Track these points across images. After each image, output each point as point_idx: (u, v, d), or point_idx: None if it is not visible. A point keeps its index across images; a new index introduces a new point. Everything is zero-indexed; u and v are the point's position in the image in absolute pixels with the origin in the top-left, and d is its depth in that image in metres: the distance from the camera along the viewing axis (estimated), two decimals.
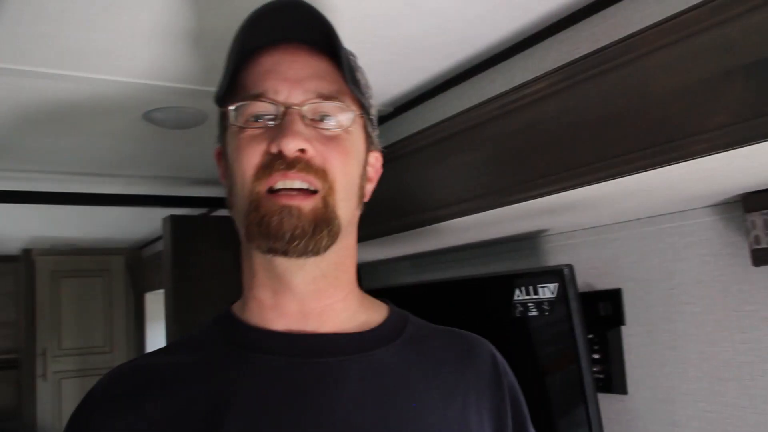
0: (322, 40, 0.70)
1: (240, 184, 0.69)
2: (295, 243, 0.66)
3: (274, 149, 0.66)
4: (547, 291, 1.39)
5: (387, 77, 1.27)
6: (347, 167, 0.70)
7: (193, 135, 1.56)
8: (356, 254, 0.78)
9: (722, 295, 1.22)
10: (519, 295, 1.45)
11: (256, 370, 0.69)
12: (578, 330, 1.34)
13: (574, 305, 1.35)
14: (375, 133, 0.77)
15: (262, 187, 0.67)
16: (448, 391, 0.74)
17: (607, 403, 1.43)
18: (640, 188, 0.99)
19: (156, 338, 3.93)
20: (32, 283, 3.76)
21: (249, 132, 0.69)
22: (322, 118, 0.69)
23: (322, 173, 0.68)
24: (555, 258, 1.56)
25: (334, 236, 0.69)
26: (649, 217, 1.35)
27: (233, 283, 2.18)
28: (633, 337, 1.40)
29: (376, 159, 0.79)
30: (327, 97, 0.69)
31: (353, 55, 0.76)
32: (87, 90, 1.26)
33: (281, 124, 0.67)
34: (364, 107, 0.73)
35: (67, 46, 1.05)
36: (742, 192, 1.09)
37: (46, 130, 1.49)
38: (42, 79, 1.18)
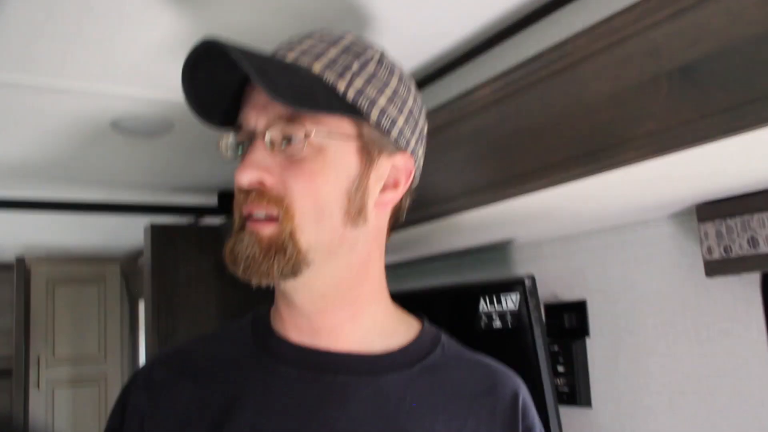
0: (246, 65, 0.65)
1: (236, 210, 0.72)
2: (247, 269, 0.68)
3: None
4: (510, 302, 1.38)
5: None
6: (313, 189, 0.68)
7: (160, 143, 1.57)
8: (373, 271, 0.77)
9: (681, 307, 1.20)
10: (484, 306, 1.44)
11: (269, 376, 0.73)
12: (539, 341, 1.33)
13: (535, 315, 1.33)
14: (393, 135, 0.72)
15: (242, 214, 0.70)
16: (455, 426, 0.74)
17: (571, 416, 1.41)
18: (587, 195, 0.98)
19: None
20: (27, 290, 3.77)
21: (239, 162, 0.70)
22: (290, 140, 0.68)
23: (278, 200, 0.68)
24: (524, 268, 1.55)
25: (294, 263, 0.68)
26: (613, 228, 1.34)
27: (214, 293, 2.19)
28: (597, 349, 1.38)
29: (402, 161, 0.74)
30: (289, 119, 0.68)
31: (363, 62, 0.72)
32: (55, 97, 1.27)
33: (248, 153, 0.68)
34: (362, 114, 0.70)
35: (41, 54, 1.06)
36: (695, 202, 1.08)
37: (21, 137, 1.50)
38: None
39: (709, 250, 1.06)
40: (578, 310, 1.42)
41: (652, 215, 1.22)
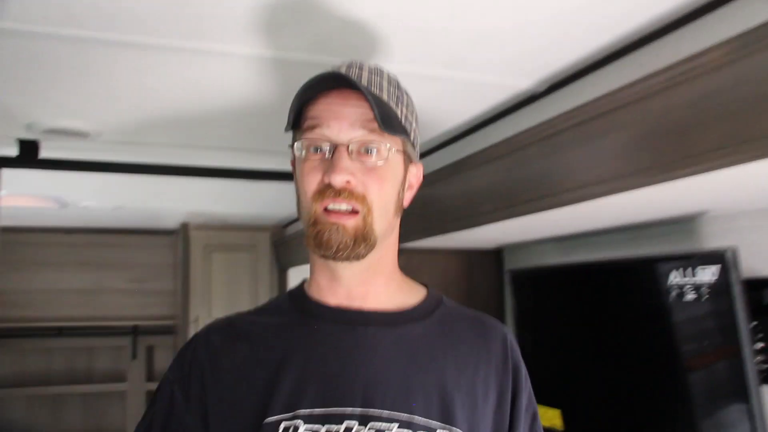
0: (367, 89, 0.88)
1: (303, 202, 0.90)
2: (340, 253, 0.88)
3: (326, 180, 0.86)
4: (708, 274, 1.34)
5: (542, 53, 1.26)
6: (383, 191, 0.90)
7: None
8: (396, 248, 1.00)
9: None
10: (675, 277, 1.40)
11: (313, 332, 0.93)
12: (740, 316, 1.28)
13: (736, 290, 1.29)
14: (416, 150, 0.98)
15: (318, 207, 0.87)
16: (462, 363, 0.94)
17: None
18: None
19: None
20: (187, 255, 4.03)
21: (308, 163, 0.89)
22: (367, 151, 0.89)
23: (362, 198, 0.88)
24: (714, 242, 1.49)
25: (371, 246, 0.89)
26: None
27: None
28: None
29: (417, 170, 0.99)
30: (369, 137, 0.88)
31: (401, 91, 0.95)
32: (250, 67, 1.34)
33: (332, 158, 0.87)
34: (407, 133, 0.93)
35: (237, 21, 1.13)
36: None
37: (214, 109, 1.60)
38: (207, 56, 1.27)
39: None
40: None
41: None
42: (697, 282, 1.36)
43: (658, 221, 1.60)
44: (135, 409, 4.54)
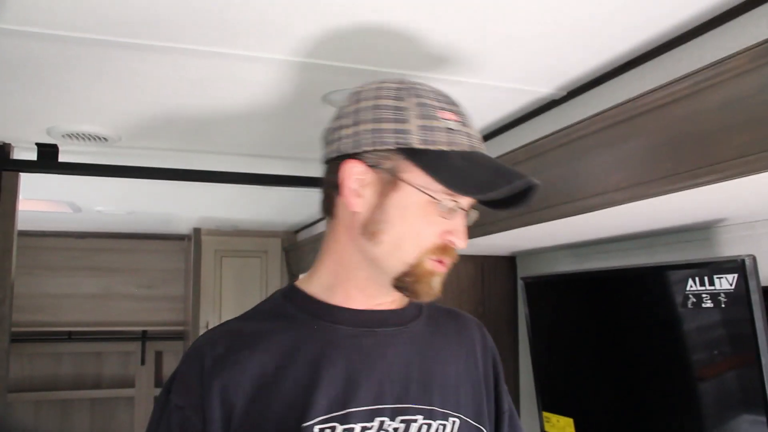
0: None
1: (411, 248, 0.90)
2: (431, 297, 0.93)
3: (447, 238, 0.90)
4: (725, 282, 1.33)
5: (563, 59, 1.27)
6: None
7: None
8: None
9: None
10: (692, 285, 1.40)
11: (337, 335, 0.94)
12: (759, 325, 1.28)
13: (755, 298, 1.28)
14: None
15: (431, 257, 0.90)
16: (455, 352, 1.02)
17: None
18: None
19: None
20: (199, 260, 4.04)
21: (434, 212, 0.89)
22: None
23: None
24: (732, 249, 1.49)
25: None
26: None
27: None
28: None
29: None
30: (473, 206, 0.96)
31: None
32: (269, 72, 1.35)
33: (457, 221, 0.91)
34: None
35: (253, 26, 1.14)
36: None
37: (232, 113, 1.61)
38: (228, 60, 1.28)
39: None
40: None
41: None
42: (715, 290, 1.36)
43: (674, 229, 1.60)
44: (143, 415, 4.54)
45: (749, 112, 0.94)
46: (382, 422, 0.90)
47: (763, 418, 1.28)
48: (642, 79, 1.22)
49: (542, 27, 1.13)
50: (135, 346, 4.60)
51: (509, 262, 2.46)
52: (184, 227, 4.08)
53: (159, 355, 4.70)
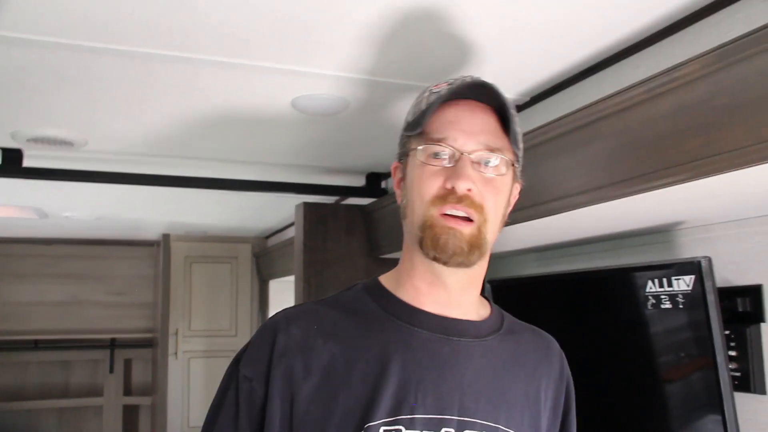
0: (495, 103, 0.91)
1: (416, 205, 0.91)
2: (455, 258, 0.88)
3: (449, 185, 0.88)
4: (683, 283, 1.37)
5: (525, 66, 1.30)
6: (497, 203, 0.92)
7: (335, 121, 1.64)
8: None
9: None
10: (652, 287, 1.43)
11: (413, 337, 0.92)
12: (715, 324, 1.31)
13: (711, 298, 1.31)
14: (520, 169, 0.97)
15: (436, 211, 0.89)
16: (531, 373, 0.98)
17: (743, 403, 1.38)
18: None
19: None
20: (168, 266, 4.01)
21: (429, 168, 0.90)
22: (486, 163, 0.91)
23: (479, 208, 0.89)
24: (690, 252, 1.53)
25: (482, 255, 0.91)
26: None
27: (360, 269, 2.27)
28: None
29: (517, 189, 0.99)
30: (492, 149, 0.91)
31: (515, 110, 0.93)
32: (236, 77, 1.36)
33: (456, 167, 0.89)
34: (516, 154, 0.94)
35: (221, 32, 1.15)
36: None
37: (199, 119, 1.61)
38: (198, 66, 1.28)
39: None
40: (753, 294, 1.39)
41: None
42: (673, 291, 1.39)
43: (636, 231, 1.64)
44: (112, 424, 4.49)
45: (701, 118, 0.97)
46: None
47: (719, 417, 1.31)
48: (601, 85, 1.25)
49: (504, 35, 1.16)
50: (103, 354, 4.55)
51: None
52: (153, 233, 4.05)
53: (128, 363, 4.64)
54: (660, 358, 1.47)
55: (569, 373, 1.07)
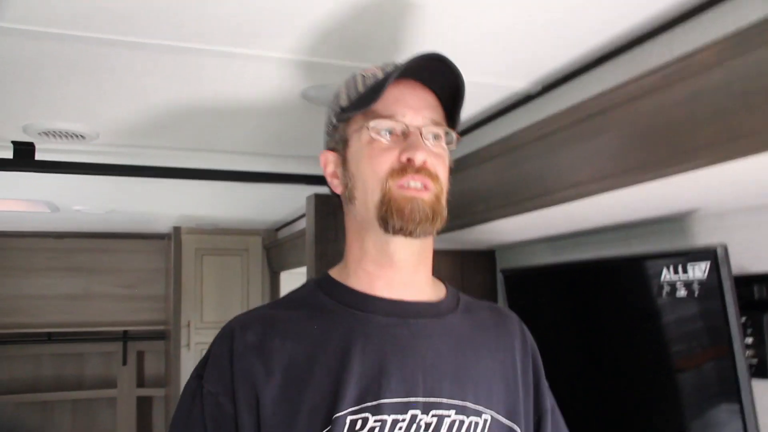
0: (443, 79, 0.95)
1: (373, 182, 0.92)
2: (421, 225, 0.91)
3: (404, 158, 0.91)
4: (698, 271, 1.36)
5: (537, 54, 1.29)
6: (446, 176, 0.97)
7: None
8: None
9: None
10: (667, 275, 1.43)
11: (369, 325, 0.93)
12: (731, 311, 1.30)
13: (727, 285, 1.31)
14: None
15: (394, 184, 0.91)
16: (493, 347, 1.00)
17: (760, 390, 1.38)
18: None
19: None
20: (179, 259, 4.03)
21: (378, 143, 0.93)
22: (434, 137, 0.95)
23: (435, 177, 0.93)
24: (705, 240, 1.52)
25: (441, 223, 0.94)
26: None
27: None
28: None
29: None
30: (437, 124, 0.96)
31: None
32: (248, 68, 1.36)
33: (410, 140, 0.92)
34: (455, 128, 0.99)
35: (230, 22, 1.14)
36: None
37: (210, 110, 1.61)
38: (207, 57, 1.28)
39: None
40: None
41: None
42: (688, 279, 1.38)
43: (649, 220, 1.63)
44: (125, 416, 4.52)
45: (715, 105, 0.96)
46: (414, 416, 0.89)
47: (736, 406, 1.31)
48: (614, 73, 1.24)
49: (516, 23, 1.15)
50: (116, 347, 4.58)
51: (488, 256, 2.48)
52: (164, 226, 4.06)
53: (141, 355, 4.67)
54: (675, 347, 1.46)
55: (533, 343, 1.09)
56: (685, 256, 1.38)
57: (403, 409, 0.88)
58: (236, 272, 4.18)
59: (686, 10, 1.09)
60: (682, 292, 1.40)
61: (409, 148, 0.91)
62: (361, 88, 0.97)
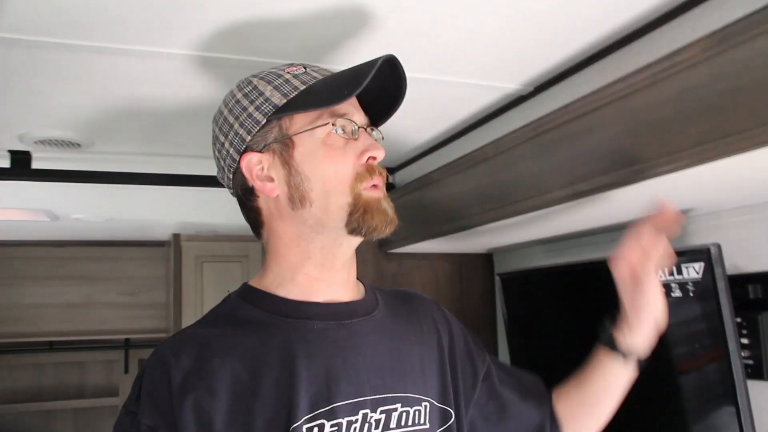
0: (378, 84, 0.94)
1: (338, 187, 0.91)
2: (391, 224, 0.93)
3: (364, 158, 0.92)
4: (692, 271, 1.36)
5: (528, 54, 1.29)
6: None
7: None
8: None
9: None
10: (661, 275, 1.42)
11: (307, 331, 0.92)
12: (726, 311, 1.30)
13: (721, 285, 1.31)
14: None
15: (362, 186, 0.91)
16: (415, 332, 1.02)
17: (757, 391, 1.37)
18: None
19: None
20: (179, 266, 4.03)
21: (336, 143, 0.92)
22: (375, 135, 0.98)
23: (385, 175, 0.96)
24: (699, 239, 1.52)
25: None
26: None
27: (369, 264, 2.26)
28: None
29: None
30: (373, 124, 0.99)
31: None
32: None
33: (365, 139, 0.94)
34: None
35: (230, 29, 1.15)
36: None
37: (207, 115, 1.61)
38: (202, 63, 1.28)
39: None
40: (764, 281, 1.38)
41: None
42: (683, 279, 1.38)
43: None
44: None
45: (703, 102, 0.96)
46: (365, 414, 0.89)
47: (732, 406, 1.30)
48: (603, 73, 1.25)
49: (506, 23, 1.15)
50: (118, 355, 4.57)
51: (486, 259, 2.48)
52: (163, 233, 4.06)
53: (142, 363, 4.67)
54: (671, 348, 1.46)
55: (449, 314, 1.14)
56: (680, 257, 1.37)
57: (354, 410, 0.89)
58: (236, 279, 4.17)
59: (673, 8, 1.09)
60: (677, 293, 1.39)
61: (370, 148, 0.93)
62: (299, 84, 0.93)
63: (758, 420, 1.33)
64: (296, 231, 0.95)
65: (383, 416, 0.91)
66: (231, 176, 0.99)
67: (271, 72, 0.98)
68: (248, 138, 0.94)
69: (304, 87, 0.93)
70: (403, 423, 0.93)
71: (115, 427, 0.89)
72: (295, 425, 0.84)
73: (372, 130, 0.98)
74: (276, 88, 0.94)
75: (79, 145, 1.82)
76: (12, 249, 4.08)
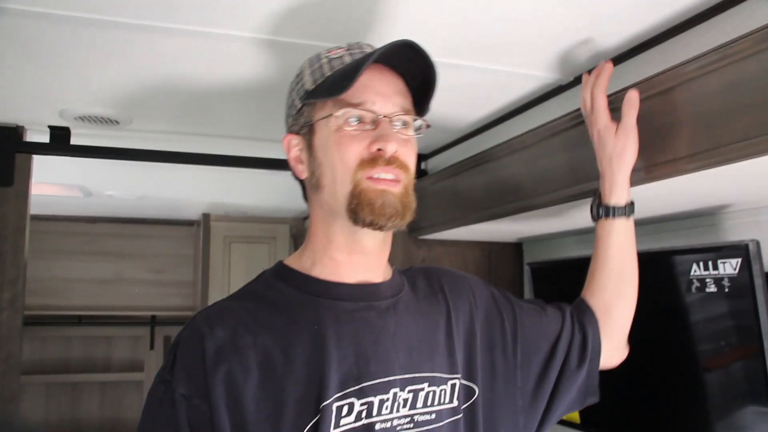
0: (414, 70, 0.94)
1: (342, 172, 0.91)
2: (392, 220, 0.91)
3: (374, 148, 0.90)
4: (729, 267, 1.34)
5: (570, 44, 1.28)
6: (413, 162, 0.96)
7: None
8: None
9: None
10: (697, 270, 1.41)
11: (338, 311, 0.93)
12: (762, 309, 1.29)
13: (758, 282, 1.29)
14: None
15: (364, 175, 0.90)
16: (440, 310, 1.03)
17: None
18: None
19: None
20: (208, 246, 4.07)
21: (346, 132, 0.92)
22: (404, 124, 0.95)
23: (406, 168, 0.94)
24: (737, 235, 1.50)
25: (411, 216, 0.94)
26: None
27: (399, 249, 2.27)
28: None
29: None
30: (406, 111, 0.95)
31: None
32: (283, 55, 1.36)
33: (380, 129, 0.91)
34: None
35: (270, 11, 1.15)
36: None
37: (244, 96, 1.62)
38: (242, 43, 1.29)
39: None
40: None
41: None
42: (719, 275, 1.37)
43: (680, 214, 1.61)
44: None
45: (752, 96, 0.95)
46: (395, 394, 0.91)
47: (763, 409, 1.29)
48: (648, 63, 1.23)
49: (547, 11, 1.14)
50: (144, 331, 4.64)
51: (516, 248, 2.47)
52: (193, 213, 4.11)
53: (168, 340, 4.73)
54: (702, 345, 1.45)
55: (474, 279, 1.15)
56: (716, 252, 1.36)
57: (384, 389, 0.91)
58: (264, 260, 4.21)
59: (723, 0, 1.08)
60: (711, 289, 1.38)
61: (380, 139, 0.91)
62: (327, 71, 0.95)
63: None
64: (321, 214, 0.98)
65: (410, 395, 0.93)
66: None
67: (317, 55, 1.00)
68: (290, 120, 1.01)
69: (329, 73, 0.96)
70: (429, 402, 0.95)
71: (149, 396, 0.89)
72: (325, 403, 0.86)
73: (399, 119, 0.95)
74: (312, 72, 0.97)
75: (117, 122, 1.85)
76: (45, 223, 4.15)
